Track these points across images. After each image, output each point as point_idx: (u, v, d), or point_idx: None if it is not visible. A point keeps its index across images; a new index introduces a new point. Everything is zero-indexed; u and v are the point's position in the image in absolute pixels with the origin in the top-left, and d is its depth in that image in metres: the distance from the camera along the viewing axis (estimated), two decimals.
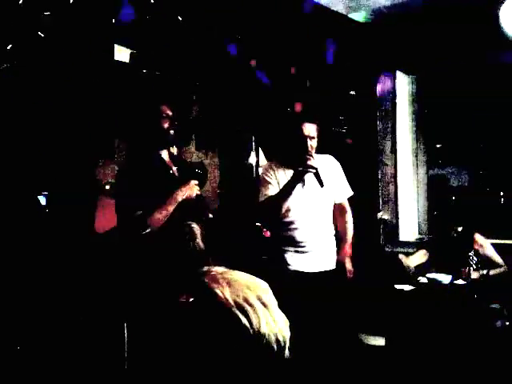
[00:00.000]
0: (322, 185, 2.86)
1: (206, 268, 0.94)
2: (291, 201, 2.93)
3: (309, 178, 2.93)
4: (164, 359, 0.86)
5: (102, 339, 2.88)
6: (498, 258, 3.57)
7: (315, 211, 3.03)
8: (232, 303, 0.85)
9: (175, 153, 2.92)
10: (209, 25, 3.63)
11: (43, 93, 2.95)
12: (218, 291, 0.86)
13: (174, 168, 2.79)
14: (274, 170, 3.04)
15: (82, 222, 3.24)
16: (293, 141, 3.00)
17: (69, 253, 3.01)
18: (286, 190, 2.89)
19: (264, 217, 3.09)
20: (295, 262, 2.99)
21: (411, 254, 3.87)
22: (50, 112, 3.00)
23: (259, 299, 0.89)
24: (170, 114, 2.74)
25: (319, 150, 3.12)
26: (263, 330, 0.85)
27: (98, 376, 2.77)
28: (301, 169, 2.84)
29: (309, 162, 2.83)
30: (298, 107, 4.28)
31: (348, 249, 3.21)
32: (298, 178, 2.88)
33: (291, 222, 2.99)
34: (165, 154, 2.79)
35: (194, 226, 2.73)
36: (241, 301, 0.86)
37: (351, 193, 3.23)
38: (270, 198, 2.96)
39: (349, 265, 3.19)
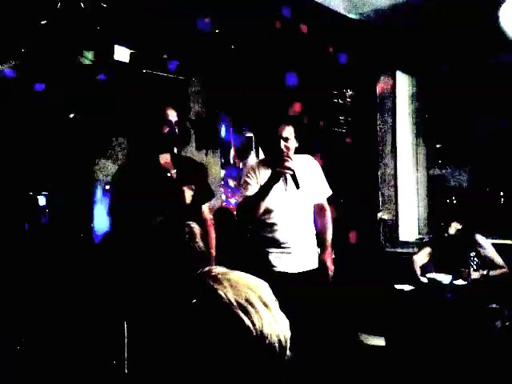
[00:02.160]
0: (297, 187, 2.88)
1: (206, 268, 0.94)
2: (273, 202, 2.95)
3: (290, 178, 2.95)
4: (166, 360, 0.86)
5: (103, 339, 2.88)
6: (499, 260, 3.56)
7: (297, 212, 3.06)
8: (235, 304, 0.85)
9: (176, 153, 2.89)
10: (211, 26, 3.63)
11: (43, 94, 2.95)
12: (220, 292, 0.85)
13: (174, 171, 2.77)
14: (255, 171, 3.07)
15: (82, 222, 3.24)
16: (269, 142, 3.04)
17: (69, 253, 3.01)
18: (263, 191, 2.91)
19: (242, 217, 3.10)
20: (280, 263, 3.01)
21: (415, 254, 3.85)
22: (50, 112, 3.00)
23: (261, 300, 0.89)
24: (174, 119, 2.72)
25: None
26: (266, 330, 0.85)
27: (98, 376, 2.77)
28: (278, 169, 2.86)
29: (286, 164, 2.84)
30: (297, 107, 4.29)
31: (329, 247, 3.24)
32: (274, 179, 2.89)
33: (274, 224, 3.01)
34: (165, 157, 2.77)
35: (194, 225, 2.73)
36: (243, 301, 0.86)
37: (330, 192, 3.27)
38: (248, 197, 2.98)
39: (330, 264, 3.22)
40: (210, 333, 0.83)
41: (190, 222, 2.66)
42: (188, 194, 2.64)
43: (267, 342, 0.85)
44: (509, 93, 4.31)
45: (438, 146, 5.04)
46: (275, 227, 3.01)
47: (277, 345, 0.87)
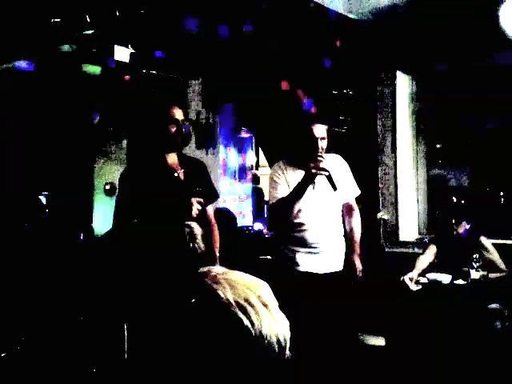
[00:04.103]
0: (335, 188, 2.81)
1: (206, 268, 0.94)
2: (302, 202, 2.91)
3: (318, 178, 2.90)
4: (165, 360, 0.86)
5: (102, 340, 2.87)
6: (501, 264, 3.55)
7: (325, 212, 3.00)
8: (234, 304, 0.85)
9: (183, 153, 2.86)
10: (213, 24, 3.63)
11: (45, 94, 2.95)
12: (219, 292, 0.85)
13: (181, 171, 2.75)
14: (283, 171, 3.01)
15: (82, 222, 3.24)
16: (304, 142, 2.97)
17: (69, 253, 3.01)
18: (297, 192, 2.86)
19: (275, 218, 3.06)
20: (306, 262, 2.96)
21: (422, 253, 3.81)
22: (50, 113, 3.00)
23: (260, 299, 0.89)
24: (180, 118, 2.70)
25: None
26: (265, 330, 0.85)
27: (98, 376, 2.77)
28: (314, 171, 2.79)
29: (321, 165, 2.78)
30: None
31: (357, 248, 3.18)
32: (309, 180, 2.84)
33: (302, 223, 2.96)
34: (172, 157, 2.76)
35: (194, 225, 2.72)
36: (242, 301, 0.86)
37: (358, 192, 3.21)
38: (281, 199, 2.93)
39: (359, 264, 3.15)
40: (209, 333, 0.83)
41: (190, 223, 2.65)
42: (194, 208, 2.60)
43: (266, 342, 0.85)
44: (509, 92, 4.31)
45: (438, 145, 5.03)
46: (304, 227, 2.96)
47: (276, 345, 0.87)
